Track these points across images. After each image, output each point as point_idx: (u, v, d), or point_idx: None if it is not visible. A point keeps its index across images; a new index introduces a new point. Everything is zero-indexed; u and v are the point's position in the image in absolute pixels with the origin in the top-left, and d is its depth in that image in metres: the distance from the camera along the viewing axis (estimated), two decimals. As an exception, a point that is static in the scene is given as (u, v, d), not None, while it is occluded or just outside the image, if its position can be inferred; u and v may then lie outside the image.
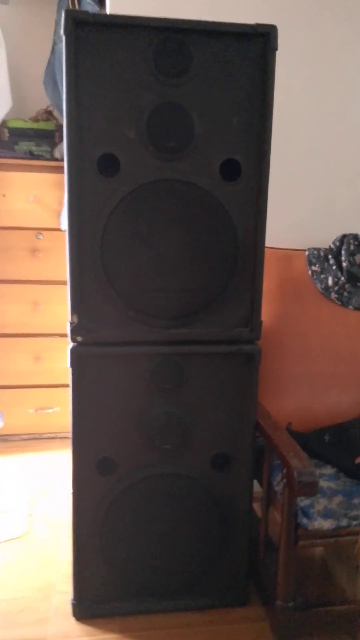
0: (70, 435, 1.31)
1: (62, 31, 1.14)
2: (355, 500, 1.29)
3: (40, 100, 2.33)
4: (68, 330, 1.26)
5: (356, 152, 1.84)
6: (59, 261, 2.25)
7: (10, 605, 1.45)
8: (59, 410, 2.37)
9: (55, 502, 1.93)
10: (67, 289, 1.25)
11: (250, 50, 1.20)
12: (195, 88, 1.19)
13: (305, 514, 1.23)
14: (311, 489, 1.14)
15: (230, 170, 1.24)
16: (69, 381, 1.28)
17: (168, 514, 1.37)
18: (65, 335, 1.27)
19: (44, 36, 2.36)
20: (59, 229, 2.21)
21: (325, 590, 1.50)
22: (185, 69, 1.18)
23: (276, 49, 1.21)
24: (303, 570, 1.57)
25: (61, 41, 1.16)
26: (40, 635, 1.35)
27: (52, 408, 2.37)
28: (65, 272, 1.27)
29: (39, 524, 1.81)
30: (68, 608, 1.42)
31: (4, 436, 2.39)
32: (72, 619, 1.40)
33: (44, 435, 2.41)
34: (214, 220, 1.24)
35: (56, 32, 2.17)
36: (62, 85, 1.21)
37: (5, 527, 1.77)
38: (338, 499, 1.30)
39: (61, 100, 1.20)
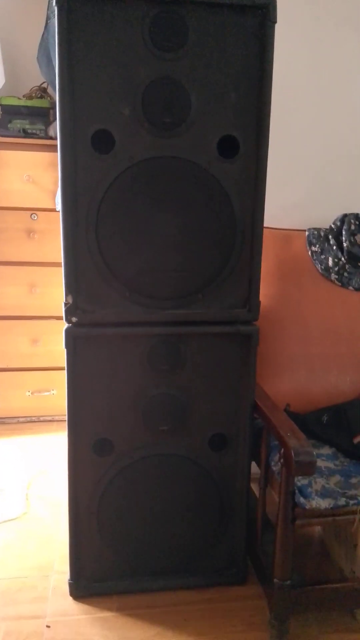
0: (66, 417, 1.30)
1: (54, 3, 1.10)
2: (353, 480, 1.29)
3: (34, 77, 2.28)
4: (63, 311, 1.25)
5: (357, 130, 1.81)
6: (55, 242, 2.22)
7: (9, 585, 1.46)
8: (56, 393, 2.37)
9: (53, 483, 1.94)
10: (63, 269, 1.23)
11: (248, 24, 1.17)
12: (192, 62, 1.16)
13: (303, 493, 1.23)
14: (309, 468, 1.14)
15: (228, 147, 1.22)
16: (65, 363, 1.27)
17: (165, 494, 1.38)
18: (62, 318, 1.26)
19: (37, 11, 2.30)
20: (54, 210, 2.18)
21: (322, 569, 1.51)
22: (182, 42, 1.15)
23: (275, 22, 1.18)
24: (301, 549, 1.58)
25: (55, 16, 1.13)
26: (38, 613, 1.37)
27: (49, 391, 2.37)
28: (61, 253, 1.25)
29: (37, 505, 1.81)
30: (66, 587, 1.43)
31: (0, 419, 2.38)
32: (70, 598, 1.41)
33: (41, 418, 2.41)
34: (211, 198, 1.22)
35: (49, 6, 2.12)
36: (56, 60, 1.18)
37: (3, 507, 1.78)
38: (336, 478, 1.30)
39: (55, 76, 1.17)
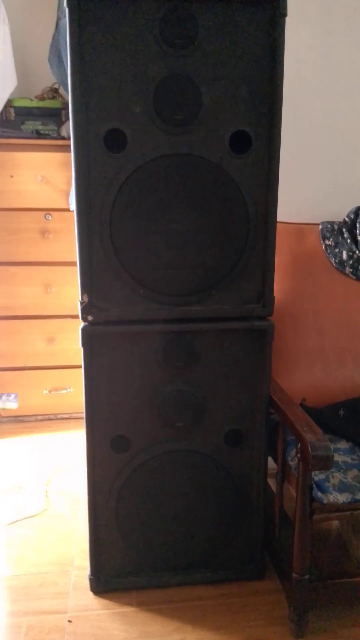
0: (83, 414, 1.31)
1: (65, 3, 1.11)
2: (371, 474, 1.29)
3: (45, 78, 2.29)
4: (79, 310, 1.26)
5: (369, 122, 1.80)
6: (69, 242, 2.24)
7: (30, 580, 1.48)
8: (73, 391, 2.39)
9: (72, 480, 1.96)
10: (77, 268, 1.24)
11: (258, 17, 1.17)
12: (203, 58, 1.16)
13: (321, 488, 1.23)
14: (326, 462, 1.14)
15: (240, 142, 1.21)
16: (82, 361, 1.28)
17: (183, 489, 1.38)
18: (77, 317, 1.27)
19: (48, 12, 2.31)
20: (68, 210, 2.20)
21: (340, 563, 1.50)
22: (192, 38, 1.15)
23: (285, 15, 1.17)
24: (319, 544, 1.58)
25: (65, 16, 1.14)
26: (59, 608, 1.39)
27: (66, 389, 2.39)
28: (75, 253, 1.26)
29: (57, 501, 1.83)
30: (86, 582, 1.44)
31: (19, 417, 2.41)
32: (90, 594, 1.43)
33: (59, 416, 2.43)
34: (224, 194, 1.22)
35: (60, 7, 2.13)
36: (67, 61, 1.19)
37: (23, 504, 1.81)
38: (354, 472, 1.29)
39: (67, 76, 1.17)
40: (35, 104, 2.19)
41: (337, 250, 1.68)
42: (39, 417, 2.43)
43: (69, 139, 1.17)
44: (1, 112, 2.16)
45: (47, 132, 2.18)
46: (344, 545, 1.56)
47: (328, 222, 1.72)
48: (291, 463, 1.32)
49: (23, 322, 2.32)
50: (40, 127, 2.18)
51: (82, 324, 1.27)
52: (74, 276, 1.25)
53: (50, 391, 2.39)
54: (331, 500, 1.20)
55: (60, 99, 2.25)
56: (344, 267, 1.68)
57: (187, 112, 1.18)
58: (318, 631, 1.31)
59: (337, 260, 1.68)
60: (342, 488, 1.23)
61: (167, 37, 1.14)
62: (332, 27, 1.71)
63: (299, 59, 1.69)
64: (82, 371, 1.29)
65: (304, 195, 1.79)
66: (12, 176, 2.15)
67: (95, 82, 1.15)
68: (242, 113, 1.20)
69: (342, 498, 1.21)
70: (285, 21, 1.17)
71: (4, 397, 2.37)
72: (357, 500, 1.21)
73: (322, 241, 1.69)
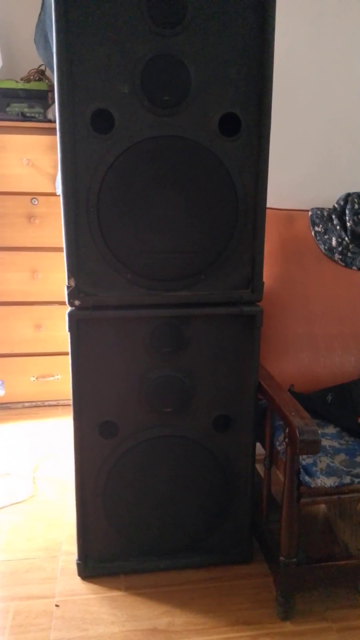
0: (71, 400, 1.31)
1: (50, -20, 1.08)
2: (358, 458, 1.30)
3: (31, 59, 2.24)
4: (66, 294, 1.24)
5: None
6: (56, 227, 2.21)
7: (18, 565, 1.48)
8: (61, 378, 2.38)
9: (60, 466, 1.95)
10: (64, 252, 1.23)
11: (248, -1, 1.14)
12: (191, 38, 1.14)
13: (308, 472, 1.23)
14: (313, 447, 1.14)
15: (229, 125, 1.20)
16: (69, 346, 1.27)
17: (171, 474, 1.39)
18: (65, 303, 1.25)
19: (33, -9, 2.26)
20: (54, 194, 2.17)
21: (328, 546, 1.52)
22: (181, 18, 1.13)
23: (275, -3, 1.15)
24: (306, 528, 1.59)
25: (51, -6, 1.11)
26: (47, 593, 1.38)
27: (53, 376, 2.38)
28: (62, 238, 1.24)
29: (45, 487, 1.83)
30: (74, 567, 1.44)
31: (6, 404, 2.40)
32: (78, 578, 1.43)
33: (46, 403, 2.42)
34: (212, 177, 1.21)
35: (46, -15, 2.08)
36: (53, 41, 1.16)
37: (11, 490, 1.80)
38: (341, 457, 1.30)
39: (53, 57, 1.15)
40: (20, 85, 2.14)
41: (326, 236, 1.68)
42: (26, 404, 2.41)
43: (55, 121, 1.14)
44: (-14, 94, 2.12)
45: (33, 114, 2.14)
46: (330, 529, 1.58)
47: (317, 209, 1.71)
48: (279, 448, 1.33)
49: (9, 308, 2.29)
50: (26, 110, 2.14)
51: (68, 309, 1.26)
52: (61, 262, 1.23)
53: (37, 378, 2.37)
54: (318, 484, 1.21)
55: (46, 81, 2.20)
56: (333, 253, 1.67)
57: (175, 93, 1.16)
58: (304, 613, 1.33)
59: (326, 247, 1.68)
60: (329, 472, 1.24)
61: (155, 16, 1.12)
62: (323, 10, 1.69)
63: (290, 41, 1.67)
64: (69, 357, 1.28)
65: (293, 180, 1.78)
66: (-3, 159, 2.11)
67: (81, 62, 1.13)
68: (231, 95, 1.18)
69: (329, 482, 1.22)
70: (275, 3, 1.15)
71: (-10, 384, 2.35)
72: (344, 484, 1.22)
73: (311, 227, 1.69)
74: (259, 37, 1.16)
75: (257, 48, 1.17)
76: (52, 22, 1.11)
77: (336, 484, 1.22)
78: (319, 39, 1.70)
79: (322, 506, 1.66)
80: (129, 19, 1.12)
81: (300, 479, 1.22)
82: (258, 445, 1.43)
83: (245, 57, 1.17)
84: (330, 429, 1.43)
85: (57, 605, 1.35)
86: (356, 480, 1.23)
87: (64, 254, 1.22)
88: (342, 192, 1.73)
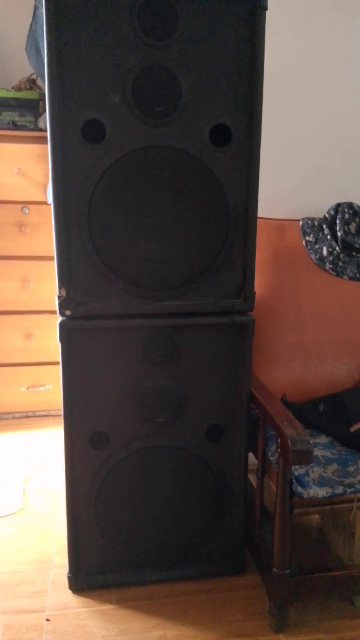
0: (62, 411, 1.29)
1: (42, -9, 1.08)
2: (351, 468, 1.29)
3: (23, 68, 2.25)
4: (57, 304, 1.24)
5: (350, 118, 1.80)
6: (47, 236, 2.20)
7: (8, 578, 1.45)
8: (51, 388, 2.36)
9: (51, 478, 1.93)
10: (55, 261, 1.22)
11: (239, 10, 1.16)
12: (182, 49, 1.15)
13: (301, 482, 1.23)
14: (306, 457, 1.14)
15: (220, 135, 1.20)
16: (59, 356, 1.26)
17: (163, 485, 1.37)
18: (56, 312, 1.24)
19: (25, 1, 2.26)
20: (45, 203, 2.16)
21: (321, 557, 1.51)
22: (172, 29, 1.14)
23: (265, 9, 1.17)
24: (299, 538, 1.58)
25: (42, 5, 1.11)
26: (38, 606, 1.36)
27: (44, 386, 2.36)
28: (53, 247, 1.24)
29: (35, 499, 1.81)
30: (65, 580, 1.42)
31: (-3, 414, 2.37)
32: (69, 592, 1.41)
33: (37, 413, 2.40)
34: (203, 187, 1.21)
35: (37, -5, 2.08)
36: (44, 50, 1.16)
37: (1, 502, 1.78)
38: (333, 467, 1.30)
39: (44, 67, 1.15)
40: (12, 94, 2.14)
41: (317, 246, 1.69)
42: (17, 415, 2.39)
43: (46, 130, 1.14)
44: (-23, 103, 2.11)
45: (24, 123, 2.14)
46: (324, 539, 1.57)
47: (308, 218, 1.72)
48: (271, 458, 1.32)
49: (0, 317, 2.28)
50: (17, 119, 2.14)
51: (59, 318, 1.25)
52: (52, 271, 1.22)
53: (28, 388, 2.35)
54: (311, 494, 1.21)
55: (37, 90, 2.21)
56: (324, 263, 1.68)
57: (166, 104, 1.16)
58: (298, 625, 1.32)
59: (317, 256, 1.68)
60: (321, 482, 1.23)
61: (146, 27, 1.13)
62: (313, 21, 1.71)
63: (281, 51, 1.68)
64: (60, 367, 1.27)
65: (284, 190, 1.79)
66: (-12, 168, 2.10)
67: (73, 72, 1.13)
68: (222, 105, 1.19)
69: (321, 492, 1.21)
70: (265, 14, 1.17)
71: (-20, 394, 2.32)
72: (337, 494, 1.22)
73: (302, 237, 1.70)
74: (249, 47, 1.17)
75: (248, 59, 1.18)
76: (43, 32, 1.11)
77: (329, 494, 1.21)
78: (310, 49, 1.72)
79: (315, 516, 1.65)
80: (120, 29, 1.12)
81: (293, 489, 1.22)
82: (250, 455, 1.42)
83: (236, 68, 1.18)
84: (323, 439, 1.43)
85: (48, 620, 1.33)
86: (349, 490, 1.22)
87: (55, 264, 1.22)
88: (332, 202, 1.74)
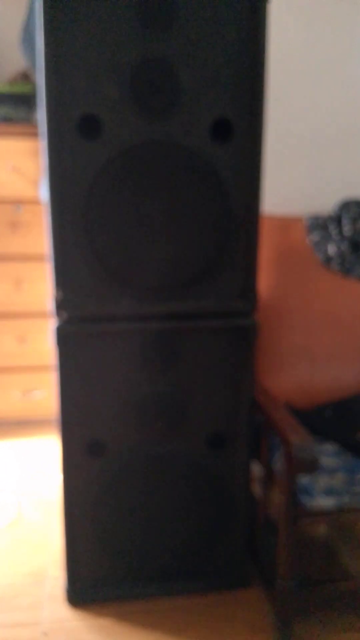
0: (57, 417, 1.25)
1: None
2: (358, 477, 1.26)
3: (17, 61, 2.20)
4: (52, 307, 1.20)
5: (356, 111, 1.76)
6: (41, 236, 2.15)
7: (3, 591, 1.41)
8: (47, 394, 2.31)
9: (47, 487, 1.89)
10: (50, 262, 1.18)
11: (240, 1, 1.11)
12: (182, 42, 1.11)
13: (306, 491, 1.19)
14: (311, 466, 1.10)
15: (221, 130, 1.17)
16: (55, 361, 1.21)
17: (163, 495, 1.33)
18: (51, 315, 1.20)
19: (19, -6, 2.21)
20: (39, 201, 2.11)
21: (327, 568, 1.48)
22: (171, 22, 1.10)
23: (267, 1, 1.12)
24: (305, 548, 1.55)
25: (38, -3, 1.08)
26: (34, 620, 1.32)
27: (39, 390, 2.31)
28: (48, 247, 1.19)
29: (30, 509, 1.76)
30: (62, 593, 1.38)
31: (-9, 420, 2.32)
32: (66, 605, 1.37)
33: (33, 420, 2.35)
34: (204, 184, 1.17)
35: (32, -13, 2.04)
36: (40, 42, 1.13)
37: (-5, 511, 1.73)
38: (340, 475, 1.26)
39: (39, 59, 1.11)
40: (6, 88, 2.10)
41: (323, 245, 1.64)
42: (11, 421, 2.34)
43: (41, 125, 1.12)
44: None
45: (17, 118, 2.09)
46: (330, 550, 1.53)
47: (313, 216, 1.68)
48: (276, 467, 1.28)
49: (-7, 320, 2.22)
50: (10, 113, 2.09)
51: (55, 321, 1.21)
52: (47, 272, 1.18)
53: (23, 394, 2.30)
54: (317, 504, 1.17)
55: (32, 83, 2.16)
56: (331, 262, 1.64)
57: (165, 98, 1.13)
58: (304, 639, 1.28)
59: (323, 256, 1.64)
60: (328, 492, 1.20)
61: (144, 19, 1.09)
62: (317, 15, 1.66)
63: (284, 45, 1.64)
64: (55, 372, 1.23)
65: (288, 187, 1.75)
66: (-20, 165, 2.05)
67: (69, 66, 1.09)
68: (223, 100, 1.15)
69: (328, 502, 1.17)
70: (267, 7, 1.13)
71: (-25, 398, 2.27)
72: (344, 503, 1.18)
73: (307, 235, 1.65)
74: (251, 41, 1.13)
75: (250, 52, 1.14)
76: (39, 25, 1.08)
77: (335, 504, 1.17)
78: (315, 40, 1.68)
79: (322, 526, 1.61)
80: (118, 22, 1.08)
81: (298, 499, 1.17)
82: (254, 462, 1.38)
83: (238, 61, 1.14)
84: (329, 446, 1.39)
85: (44, 634, 1.29)
86: (356, 499, 1.18)
87: (51, 265, 1.18)
88: (337, 199, 1.70)
